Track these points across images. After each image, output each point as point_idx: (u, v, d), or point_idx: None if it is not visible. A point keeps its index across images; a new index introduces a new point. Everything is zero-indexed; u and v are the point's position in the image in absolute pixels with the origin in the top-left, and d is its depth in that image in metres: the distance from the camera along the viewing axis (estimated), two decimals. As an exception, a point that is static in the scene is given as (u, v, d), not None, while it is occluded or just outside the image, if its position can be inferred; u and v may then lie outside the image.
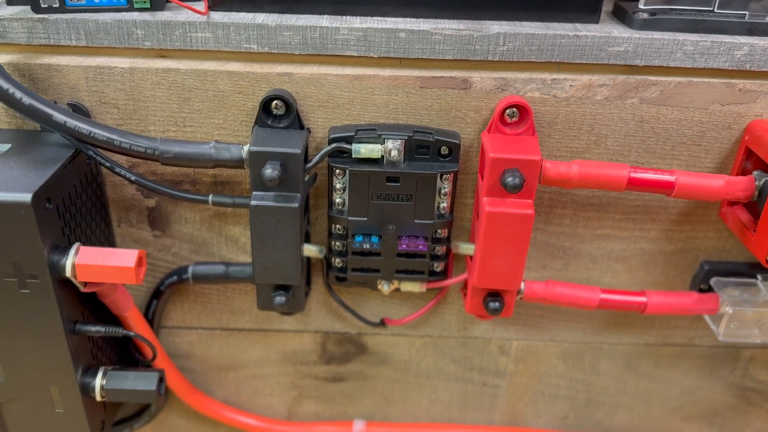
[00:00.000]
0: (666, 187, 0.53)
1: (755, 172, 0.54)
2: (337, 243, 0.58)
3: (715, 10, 0.54)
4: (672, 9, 0.55)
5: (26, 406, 0.56)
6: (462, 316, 0.66)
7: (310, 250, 0.58)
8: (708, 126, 0.55)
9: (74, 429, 0.57)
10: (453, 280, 0.61)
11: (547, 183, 0.54)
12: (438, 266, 0.60)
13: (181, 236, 0.61)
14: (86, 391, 0.56)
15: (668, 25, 0.54)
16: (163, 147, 0.51)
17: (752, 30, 0.54)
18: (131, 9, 0.53)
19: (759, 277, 0.61)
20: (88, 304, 0.56)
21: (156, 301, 0.63)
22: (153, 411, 0.69)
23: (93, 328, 0.54)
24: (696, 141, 0.56)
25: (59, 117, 0.49)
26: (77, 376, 0.55)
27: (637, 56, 0.53)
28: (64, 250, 0.50)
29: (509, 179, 0.51)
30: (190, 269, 0.61)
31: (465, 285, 0.62)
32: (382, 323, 0.66)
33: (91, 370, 0.57)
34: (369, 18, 0.53)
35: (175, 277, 0.61)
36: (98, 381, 0.56)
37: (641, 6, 0.54)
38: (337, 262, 0.59)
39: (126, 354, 0.63)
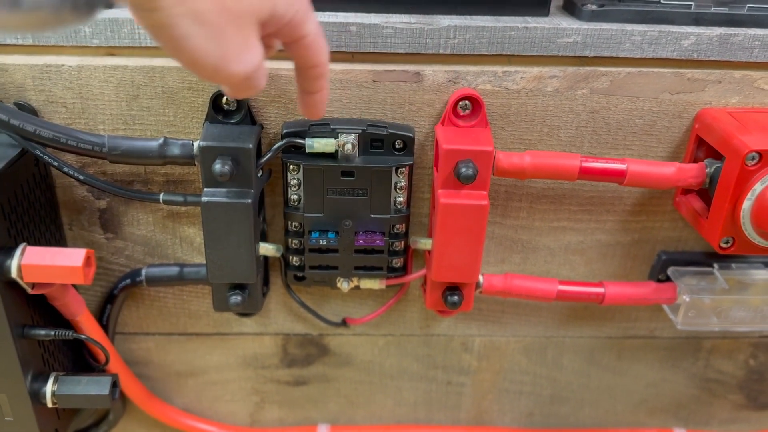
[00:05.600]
0: (617, 176, 0.53)
1: (706, 160, 0.54)
2: (294, 240, 0.58)
3: (662, 1, 0.55)
4: (620, 0, 0.55)
5: (-27, 415, 0.54)
6: (424, 313, 0.66)
7: (267, 248, 0.57)
8: (658, 115, 0.56)
9: (25, 438, 0.55)
10: (412, 276, 0.60)
11: (500, 174, 0.54)
12: (397, 262, 0.59)
13: (134, 238, 0.60)
14: (37, 397, 0.54)
15: (616, 16, 0.54)
16: (111, 144, 0.51)
17: (698, 20, 0.55)
18: (78, 7, 0.52)
19: (715, 265, 0.62)
20: (37, 308, 0.54)
21: (110, 306, 0.61)
22: (111, 420, 0.67)
23: (42, 332, 0.53)
24: (647, 130, 0.56)
25: (2, 114, 0.48)
26: (26, 383, 0.53)
27: (586, 47, 0.53)
28: (10, 250, 0.49)
29: (463, 170, 0.51)
30: (143, 271, 0.60)
31: (425, 281, 0.61)
32: (344, 323, 0.65)
33: (41, 376, 0.55)
34: (320, 13, 0.53)
35: (128, 280, 0.60)
36: (49, 387, 0.55)
37: (589, -2, 0.55)
38: (294, 260, 0.59)
39: (80, 361, 0.62)
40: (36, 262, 0.49)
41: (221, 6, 0.33)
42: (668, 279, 0.62)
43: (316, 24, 0.41)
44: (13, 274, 0.49)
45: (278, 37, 0.40)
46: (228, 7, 0.34)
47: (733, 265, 0.62)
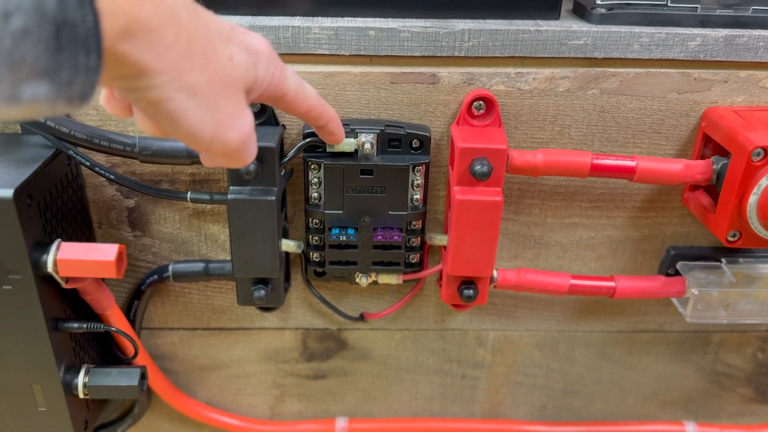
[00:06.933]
0: (627, 172, 0.55)
1: (713, 157, 0.56)
2: (315, 237, 0.60)
3: (669, 4, 0.57)
4: (628, 4, 0.57)
5: (9, 405, 0.56)
6: (439, 308, 0.68)
7: (289, 245, 0.59)
8: (666, 114, 0.58)
9: (57, 427, 0.58)
10: (428, 271, 0.62)
11: (514, 171, 0.56)
12: (413, 257, 0.61)
13: (161, 236, 0.62)
14: (69, 388, 0.57)
15: (625, 19, 0.56)
16: (142, 144, 0.53)
17: (704, 22, 0.57)
18: (109, 14, 0.55)
19: (723, 260, 0.63)
20: (70, 302, 0.57)
21: (137, 302, 0.63)
22: (136, 413, 0.70)
23: (75, 325, 0.55)
24: (656, 129, 0.58)
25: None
26: (60, 374, 0.55)
27: (596, 49, 0.55)
28: (46, 246, 0.52)
29: (478, 167, 0.53)
30: (170, 267, 0.62)
31: (441, 276, 0.63)
32: (362, 318, 0.67)
33: (73, 368, 0.57)
34: (339, 18, 0.55)
35: (155, 276, 0.62)
36: (81, 378, 0.57)
37: (599, 1, 0.57)
38: (315, 256, 0.61)
39: (108, 354, 0.64)
40: (71, 257, 0.51)
41: (212, 76, 0.34)
42: (677, 273, 0.64)
43: (294, 77, 0.42)
44: (49, 268, 0.51)
45: (263, 100, 0.41)
46: (218, 76, 0.35)
47: (741, 260, 0.63)
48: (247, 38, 0.38)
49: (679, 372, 0.73)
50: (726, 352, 0.72)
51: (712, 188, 0.57)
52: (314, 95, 0.45)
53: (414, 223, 0.59)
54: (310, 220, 0.59)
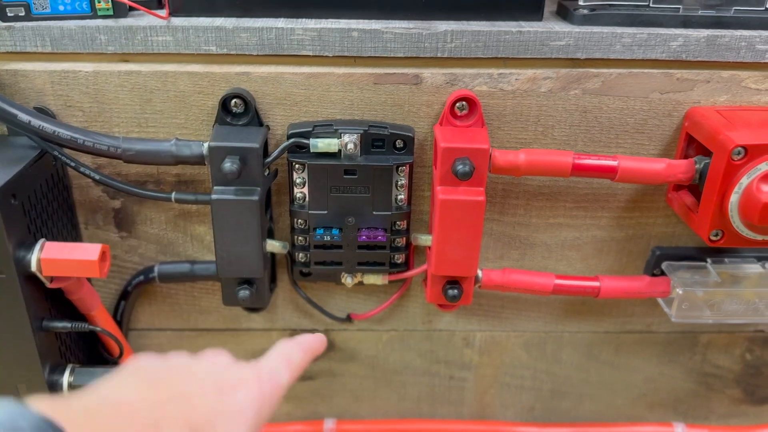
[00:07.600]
0: (609, 172, 0.55)
1: (696, 157, 0.56)
2: (300, 237, 0.60)
3: (651, 5, 0.57)
4: (610, 5, 0.58)
5: (-6, 405, 0.56)
6: (426, 309, 0.68)
7: (274, 245, 0.60)
8: (649, 114, 0.58)
9: (43, 427, 0.58)
10: (414, 272, 0.63)
11: (497, 171, 0.56)
12: (399, 258, 0.62)
13: (147, 237, 0.62)
14: (54, 388, 0.57)
15: (607, 19, 0.57)
16: (126, 145, 0.53)
17: (686, 22, 0.57)
18: (95, 16, 0.55)
19: (708, 260, 0.63)
20: (55, 302, 0.57)
21: (124, 302, 0.64)
22: (124, 415, 0.70)
23: (59, 324, 0.55)
24: (638, 129, 0.58)
25: (23, 117, 0.51)
26: (45, 374, 0.56)
27: (578, 50, 0.56)
28: (30, 245, 0.52)
29: (460, 167, 0.53)
30: (156, 268, 0.62)
31: (426, 277, 0.63)
32: (349, 318, 0.67)
33: (59, 368, 0.58)
34: (323, 19, 0.56)
35: (141, 277, 0.63)
36: (66, 378, 0.57)
37: (581, 2, 0.57)
38: (300, 256, 0.61)
39: (95, 355, 0.64)
40: (54, 256, 0.52)
41: None
42: (663, 273, 0.64)
43: (291, 367, 0.43)
44: (33, 267, 0.51)
45: None
46: None
47: (726, 260, 0.64)
48: (230, 410, 0.36)
49: (667, 373, 0.73)
50: (714, 353, 0.72)
51: (696, 188, 0.57)
52: (300, 366, 0.45)
53: (398, 223, 0.59)
54: (295, 220, 0.59)
